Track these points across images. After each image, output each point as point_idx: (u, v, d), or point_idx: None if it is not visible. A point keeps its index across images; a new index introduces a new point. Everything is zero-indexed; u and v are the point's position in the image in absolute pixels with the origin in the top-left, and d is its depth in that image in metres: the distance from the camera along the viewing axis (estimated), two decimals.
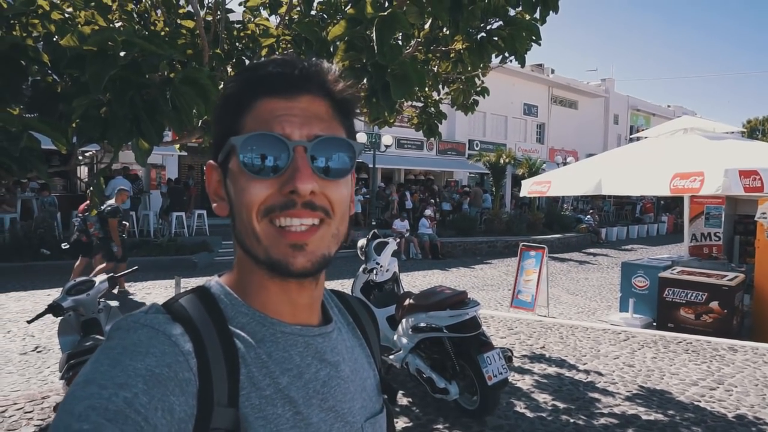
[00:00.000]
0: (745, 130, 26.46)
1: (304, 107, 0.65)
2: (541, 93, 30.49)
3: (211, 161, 0.71)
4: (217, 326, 0.64)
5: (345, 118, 0.69)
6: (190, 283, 9.82)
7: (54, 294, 7.58)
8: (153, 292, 9.02)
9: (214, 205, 0.71)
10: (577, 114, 32.88)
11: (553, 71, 31.41)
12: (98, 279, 3.56)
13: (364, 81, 1.85)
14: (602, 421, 4.06)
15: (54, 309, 3.32)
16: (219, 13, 3.20)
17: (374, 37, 1.70)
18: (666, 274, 7.07)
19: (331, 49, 2.26)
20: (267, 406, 0.62)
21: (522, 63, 3.49)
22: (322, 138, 0.64)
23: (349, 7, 2.43)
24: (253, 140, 0.63)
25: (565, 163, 20.76)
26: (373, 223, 15.32)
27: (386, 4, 2.00)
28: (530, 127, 30.34)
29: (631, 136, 31.77)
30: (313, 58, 0.71)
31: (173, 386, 0.56)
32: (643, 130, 15.56)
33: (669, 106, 40.84)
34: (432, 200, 18.88)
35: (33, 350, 5.68)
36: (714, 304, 6.54)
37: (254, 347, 0.65)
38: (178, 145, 3.89)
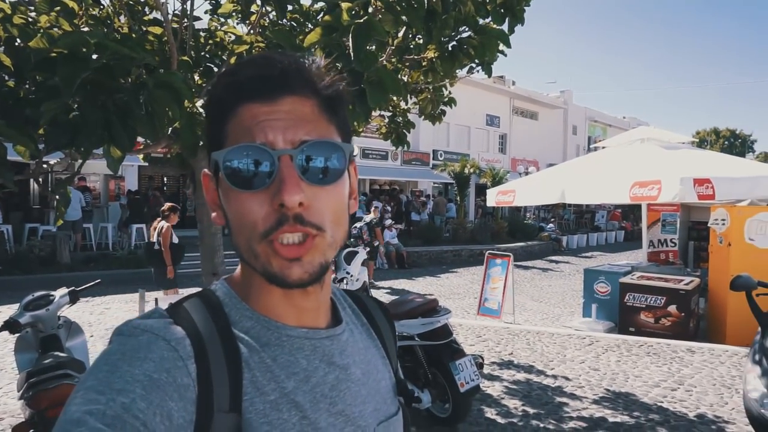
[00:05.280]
0: (695, 140, 27.69)
1: (288, 110, 0.61)
2: (503, 104, 31.14)
3: (206, 170, 0.68)
4: (221, 330, 0.62)
5: (334, 115, 0.65)
6: (153, 296, 9.53)
7: (5, 311, 7.25)
8: (112, 306, 8.71)
9: (213, 214, 0.68)
10: (538, 125, 33.70)
11: (514, 83, 32.14)
12: (58, 293, 3.41)
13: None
14: (571, 424, 4.13)
15: (10, 325, 3.14)
16: (186, 20, 3.16)
17: (350, 45, 1.71)
18: (626, 279, 7.29)
19: None
20: (272, 411, 0.61)
21: (489, 73, 3.57)
22: (309, 143, 0.60)
23: (323, 15, 2.43)
24: (235, 153, 0.60)
25: (527, 173, 21.22)
26: None
27: (361, 12, 2.01)
28: (492, 137, 30.90)
29: (592, 146, 32.75)
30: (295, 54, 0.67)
31: (172, 392, 0.55)
32: (600, 140, 16.08)
33: (624, 117, 42.31)
34: (391, 208, 18.92)
35: None
36: (672, 308, 6.77)
37: (258, 351, 0.63)
38: (142, 156, 3.79)
